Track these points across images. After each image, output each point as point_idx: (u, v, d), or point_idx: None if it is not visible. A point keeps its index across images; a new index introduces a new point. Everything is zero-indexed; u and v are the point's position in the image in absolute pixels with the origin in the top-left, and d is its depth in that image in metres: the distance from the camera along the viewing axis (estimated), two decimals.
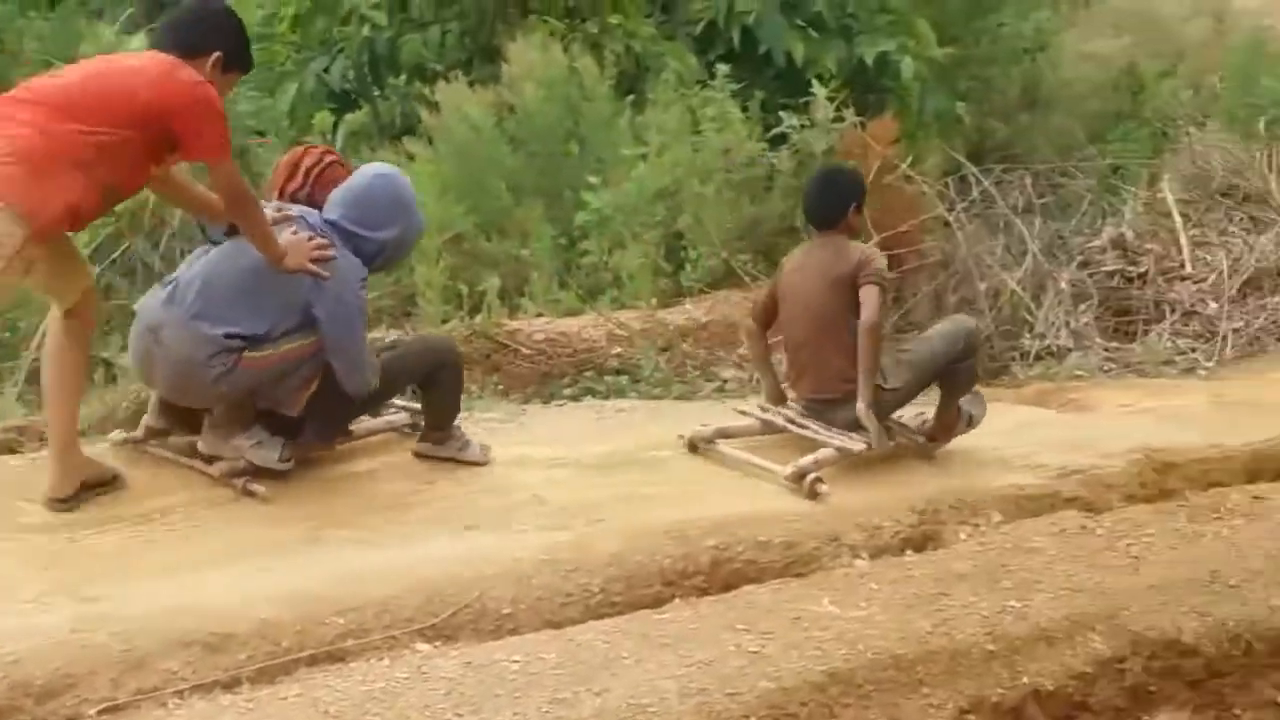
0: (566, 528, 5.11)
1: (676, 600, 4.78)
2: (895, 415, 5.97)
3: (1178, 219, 9.89)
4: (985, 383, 7.68)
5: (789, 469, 5.52)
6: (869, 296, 5.59)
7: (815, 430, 5.79)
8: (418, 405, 5.78)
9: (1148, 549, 5.32)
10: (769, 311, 6.08)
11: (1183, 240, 9.66)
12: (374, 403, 5.52)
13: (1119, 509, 5.90)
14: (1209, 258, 9.59)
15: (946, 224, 8.94)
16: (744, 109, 9.05)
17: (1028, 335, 8.51)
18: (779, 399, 6.08)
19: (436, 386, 5.55)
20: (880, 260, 5.83)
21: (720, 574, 5.00)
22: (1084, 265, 9.34)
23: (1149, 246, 9.58)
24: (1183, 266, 9.51)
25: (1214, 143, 11.11)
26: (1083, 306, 8.87)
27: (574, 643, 4.27)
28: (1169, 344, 8.60)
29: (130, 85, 4.61)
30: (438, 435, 5.61)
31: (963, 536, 5.48)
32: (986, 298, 8.47)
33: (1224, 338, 8.76)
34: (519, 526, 5.11)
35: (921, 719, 4.18)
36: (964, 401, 6.04)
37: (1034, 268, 8.99)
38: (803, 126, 8.64)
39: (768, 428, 6.02)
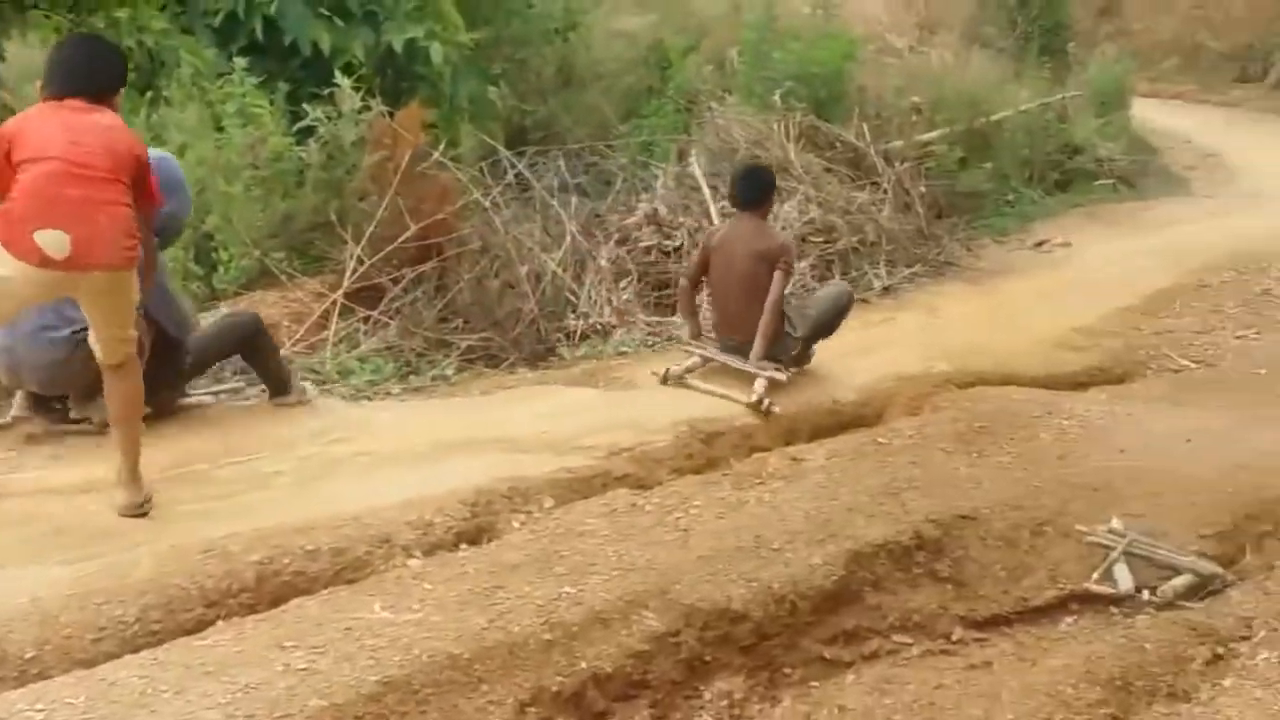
0: (96, 556, 4.82)
1: (220, 623, 4.55)
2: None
3: (706, 192, 10.14)
4: (534, 366, 7.77)
5: (752, 397, 7.01)
6: (778, 280, 7.33)
7: (744, 364, 7.34)
8: (226, 386, 6.85)
9: (696, 520, 5.43)
10: (699, 271, 7.70)
11: (713, 212, 9.89)
12: (197, 372, 6.53)
13: (669, 482, 5.99)
14: None
15: (485, 209, 8.86)
16: (271, 102, 8.75)
17: (572, 315, 8.54)
18: (698, 337, 7.79)
19: (259, 353, 6.53)
20: (793, 250, 7.85)
21: (267, 589, 4.82)
22: (622, 242, 9.43)
23: (682, 220, 9.78)
24: None
25: (735, 116, 11.46)
26: (623, 283, 8.97)
27: (106, 682, 4.02)
28: (707, 314, 8.79)
29: (127, 142, 5.04)
30: (282, 392, 6.56)
31: (516, 525, 5.45)
32: (529, 280, 8.44)
33: None
34: (42, 560, 4.76)
35: (482, 718, 4.11)
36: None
37: (574, 248, 9.03)
38: (329, 118, 8.40)
39: (707, 361, 7.57)
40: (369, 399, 7.12)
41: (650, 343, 8.41)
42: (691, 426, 6.62)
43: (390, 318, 7.94)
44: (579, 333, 8.40)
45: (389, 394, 7.24)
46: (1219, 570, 5.47)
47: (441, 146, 8.84)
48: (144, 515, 5.20)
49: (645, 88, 13.67)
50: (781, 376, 7.20)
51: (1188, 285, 10.22)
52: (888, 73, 13.77)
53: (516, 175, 9.53)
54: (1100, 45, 21.33)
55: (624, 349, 8.19)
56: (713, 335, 7.80)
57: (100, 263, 4.86)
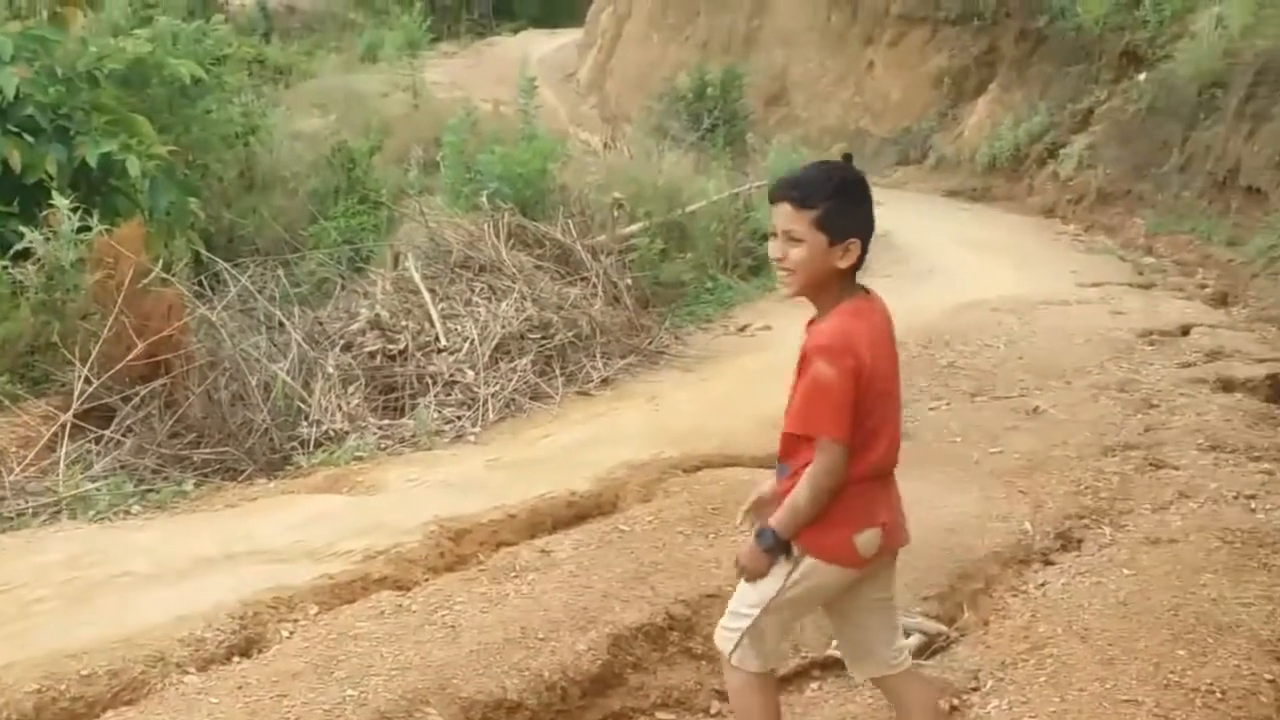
0: None
1: None
2: None
3: (426, 295, 10.35)
4: (271, 476, 7.80)
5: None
6: None
7: None
8: None
9: (461, 616, 5.59)
10: None
11: (434, 314, 10.12)
12: None
13: (427, 582, 6.13)
14: (460, 329, 10.10)
15: (211, 323, 8.87)
16: None
17: (305, 423, 8.61)
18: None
19: None
20: None
21: (47, 717, 4.77)
22: (347, 348, 9.57)
23: (404, 324, 9.96)
24: (438, 340, 9.96)
25: (445, 218, 11.72)
26: (352, 388, 9.09)
27: None
28: (436, 415, 8.98)
29: None
30: None
31: (285, 634, 5.51)
32: (259, 391, 8.50)
33: (485, 403, 9.25)
34: None
35: None
36: None
37: (300, 356, 9.12)
38: (46, 239, 8.31)
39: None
40: (110, 520, 7.07)
41: (384, 446, 8.51)
42: (440, 525, 6.78)
43: (123, 436, 7.88)
44: (313, 440, 8.47)
45: (129, 514, 7.19)
46: (943, 628, 5.93)
47: (160, 263, 8.82)
48: None
49: (332, 189, 13.81)
50: None
51: None
52: (587, 170, 14.24)
53: (239, 288, 9.55)
54: (772, 133, 22.38)
55: (359, 454, 8.27)
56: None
57: None
